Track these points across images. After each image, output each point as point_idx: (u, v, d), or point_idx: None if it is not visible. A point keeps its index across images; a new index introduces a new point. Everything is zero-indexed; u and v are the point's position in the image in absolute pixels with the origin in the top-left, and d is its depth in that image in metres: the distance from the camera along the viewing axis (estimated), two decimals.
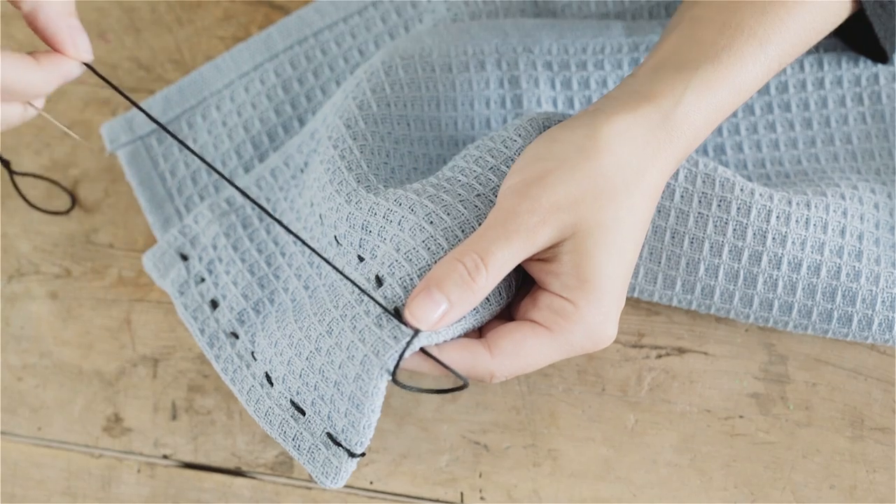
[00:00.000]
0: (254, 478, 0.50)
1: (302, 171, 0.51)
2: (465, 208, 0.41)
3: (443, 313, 0.37)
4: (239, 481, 0.49)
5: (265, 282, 0.48)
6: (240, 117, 0.54)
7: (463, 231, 0.40)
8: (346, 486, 0.49)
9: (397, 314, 0.38)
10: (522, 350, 0.38)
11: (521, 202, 0.38)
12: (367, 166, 0.45)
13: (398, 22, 0.55)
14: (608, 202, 0.38)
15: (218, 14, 0.57)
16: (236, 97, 0.54)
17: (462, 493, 0.49)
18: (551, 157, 0.39)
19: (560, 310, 0.38)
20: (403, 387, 0.37)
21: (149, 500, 0.50)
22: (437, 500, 0.49)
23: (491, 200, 0.41)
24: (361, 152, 0.46)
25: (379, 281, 0.39)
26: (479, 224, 0.40)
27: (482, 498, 0.48)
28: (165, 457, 0.50)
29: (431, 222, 0.40)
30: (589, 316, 0.38)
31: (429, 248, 0.39)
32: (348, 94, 0.50)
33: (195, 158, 0.53)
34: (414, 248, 0.39)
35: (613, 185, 0.38)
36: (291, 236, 0.49)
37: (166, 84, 0.56)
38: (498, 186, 0.42)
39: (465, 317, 0.38)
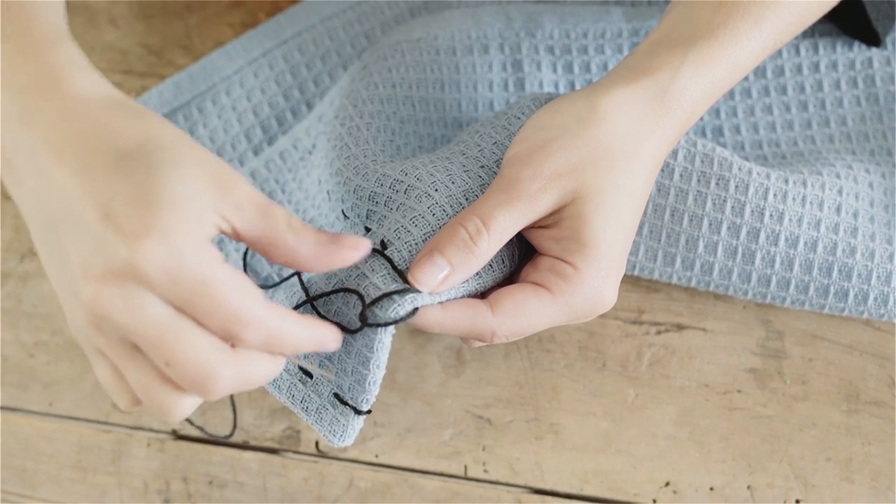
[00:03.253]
0: (261, 451, 0.50)
1: (310, 153, 0.52)
2: (470, 178, 0.42)
3: (444, 276, 0.38)
4: (247, 455, 0.50)
5: None
6: (249, 102, 0.55)
7: (467, 199, 0.41)
8: (352, 460, 0.50)
9: (401, 276, 0.39)
10: (523, 310, 0.39)
11: (524, 169, 0.39)
12: (374, 142, 0.46)
13: (404, 9, 0.56)
14: (607, 169, 0.39)
15: (227, 1, 0.59)
16: (245, 82, 0.55)
17: (466, 466, 0.49)
18: (552, 127, 0.40)
19: (560, 272, 0.39)
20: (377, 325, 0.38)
21: (158, 474, 0.51)
22: (441, 473, 0.49)
23: (494, 172, 0.43)
24: (368, 130, 0.47)
25: (384, 245, 0.40)
26: (483, 192, 0.41)
27: (485, 471, 0.49)
28: (174, 431, 0.51)
29: (437, 189, 0.41)
30: (588, 278, 0.39)
31: (434, 214, 0.40)
32: (355, 77, 0.51)
33: (206, 142, 0.54)
34: (420, 215, 0.40)
35: (612, 153, 0.40)
36: (300, 214, 0.50)
37: (176, 69, 0.57)
38: (501, 159, 0.43)
39: (467, 280, 0.39)
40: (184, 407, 0.34)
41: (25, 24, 0.35)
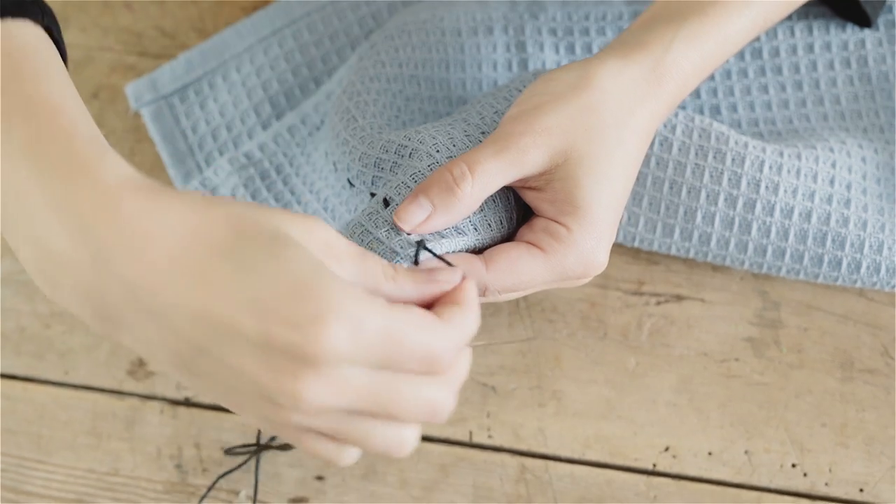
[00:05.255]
0: None
1: (318, 128, 0.54)
2: (471, 141, 0.44)
3: (426, 216, 0.39)
4: None
5: None
6: (258, 78, 0.57)
7: None
8: None
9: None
10: (517, 268, 0.41)
11: (516, 125, 0.41)
12: (380, 117, 0.48)
13: None
14: (598, 135, 0.41)
15: None
16: (255, 60, 0.57)
17: (471, 432, 0.51)
18: (546, 92, 0.42)
19: (554, 232, 0.41)
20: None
21: (171, 440, 0.52)
22: (447, 440, 0.51)
23: None
24: (375, 105, 0.49)
25: (386, 203, 0.41)
26: None
27: (490, 436, 0.51)
28: (187, 399, 0.53)
29: (438, 150, 0.43)
30: (581, 240, 0.41)
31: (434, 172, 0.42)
32: (363, 56, 0.52)
33: (216, 116, 0.56)
34: (419, 171, 0.42)
35: (603, 119, 0.41)
36: (307, 186, 0.52)
37: None
38: None
39: (465, 235, 0.41)
40: (414, 436, 0.33)
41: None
